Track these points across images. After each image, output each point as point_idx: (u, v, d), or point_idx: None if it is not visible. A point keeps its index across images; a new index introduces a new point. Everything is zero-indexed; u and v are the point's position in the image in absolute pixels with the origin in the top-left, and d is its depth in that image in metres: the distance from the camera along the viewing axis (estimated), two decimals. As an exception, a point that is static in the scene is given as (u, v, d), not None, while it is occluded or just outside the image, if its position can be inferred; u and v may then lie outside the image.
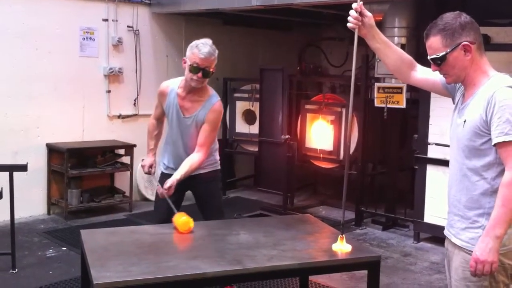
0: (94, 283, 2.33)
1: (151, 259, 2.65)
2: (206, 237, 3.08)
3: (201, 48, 3.47)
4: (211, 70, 3.50)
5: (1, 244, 4.65)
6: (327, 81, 7.44)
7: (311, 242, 2.99)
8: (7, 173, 4.26)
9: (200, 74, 3.45)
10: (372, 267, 2.71)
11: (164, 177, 3.69)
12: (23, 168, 4.38)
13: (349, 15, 2.52)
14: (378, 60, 5.61)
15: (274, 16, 6.86)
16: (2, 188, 4.25)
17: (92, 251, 2.71)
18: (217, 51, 3.55)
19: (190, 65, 3.47)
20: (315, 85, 7.63)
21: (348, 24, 2.54)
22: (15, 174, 4.31)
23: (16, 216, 4.40)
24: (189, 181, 3.60)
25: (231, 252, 2.73)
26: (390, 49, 2.61)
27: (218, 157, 3.85)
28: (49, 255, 4.83)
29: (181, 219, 3.13)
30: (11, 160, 5.53)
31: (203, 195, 3.80)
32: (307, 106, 6.64)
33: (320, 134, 6.44)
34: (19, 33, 5.81)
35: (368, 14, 2.53)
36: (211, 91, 3.68)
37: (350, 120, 2.89)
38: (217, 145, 3.84)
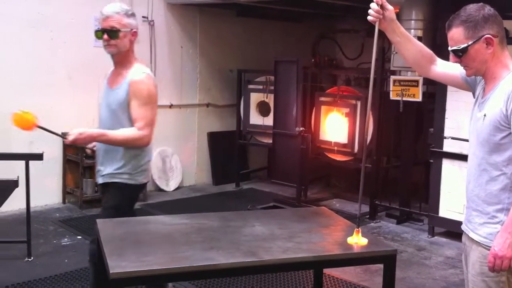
0: (110, 272, 2.33)
1: (166, 249, 2.65)
2: (220, 228, 3.07)
3: (103, 10, 3.15)
4: (117, 28, 3.08)
5: (17, 232, 4.69)
6: (342, 74, 7.40)
7: (326, 234, 2.98)
8: (23, 162, 4.29)
9: (105, 36, 3.08)
10: (388, 261, 2.68)
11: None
12: (39, 157, 4.41)
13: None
14: (394, 52, 5.57)
15: (288, 8, 6.83)
16: (18, 177, 4.28)
17: (108, 241, 2.71)
18: (125, 8, 3.19)
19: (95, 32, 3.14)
20: (330, 77, 7.60)
21: (369, 17, 2.51)
22: (31, 163, 4.34)
23: (31, 205, 4.44)
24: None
25: (246, 244, 2.71)
26: (410, 43, 2.58)
27: (139, 167, 3.19)
28: (64, 243, 4.87)
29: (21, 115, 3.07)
30: (27, 149, 5.57)
31: (102, 207, 3.29)
32: (322, 99, 6.62)
33: (335, 126, 6.41)
34: (34, 22, 5.83)
35: (389, 7, 2.50)
36: (136, 63, 3.19)
37: (368, 113, 2.86)
38: (147, 151, 3.24)
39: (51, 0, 5.95)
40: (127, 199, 3.28)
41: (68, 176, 6.15)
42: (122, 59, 3.17)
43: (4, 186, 4.19)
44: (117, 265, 2.38)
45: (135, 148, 3.16)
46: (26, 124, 3.09)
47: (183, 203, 6.40)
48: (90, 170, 6.06)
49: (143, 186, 3.33)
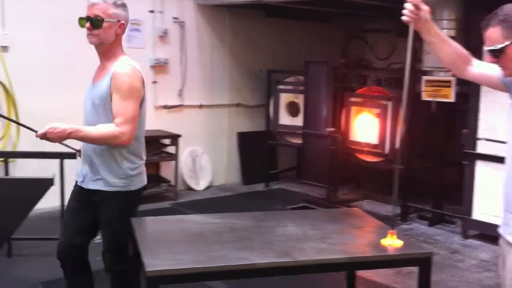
0: (146, 270, 2.37)
1: (200, 248, 2.67)
2: (253, 228, 3.08)
3: None
4: (101, 17, 2.82)
5: (51, 230, 4.77)
6: (372, 74, 7.35)
7: (360, 236, 2.97)
8: (57, 161, 4.37)
9: (88, 25, 2.84)
10: (424, 263, 2.66)
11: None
12: (72, 156, 4.47)
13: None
14: (426, 52, 5.51)
15: (317, 8, 6.81)
16: (54, 175, 4.35)
17: (142, 239, 2.75)
18: None
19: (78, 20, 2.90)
20: (359, 77, 7.55)
21: (403, 18, 2.49)
22: (65, 161, 4.41)
23: (65, 202, 4.50)
24: (90, 197, 2.95)
25: (279, 244, 2.73)
26: (445, 43, 2.55)
27: (134, 169, 2.93)
28: (97, 241, 4.91)
29: None
30: (61, 148, 5.65)
31: (101, 220, 3.00)
32: (352, 99, 6.57)
33: (365, 127, 6.37)
34: (67, 22, 5.89)
35: (424, 7, 2.47)
36: (123, 56, 2.94)
37: (403, 114, 2.83)
38: (139, 148, 2.99)
39: (80, 0, 6.03)
40: (129, 207, 3.01)
41: (100, 175, 6.23)
42: (106, 52, 2.91)
43: (40, 184, 4.26)
44: (153, 264, 2.42)
45: (125, 147, 2.87)
46: None
47: (213, 203, 6.44)
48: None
49: (141, 191, 3.05)
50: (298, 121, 6.82)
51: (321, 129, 6.13)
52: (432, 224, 5.80)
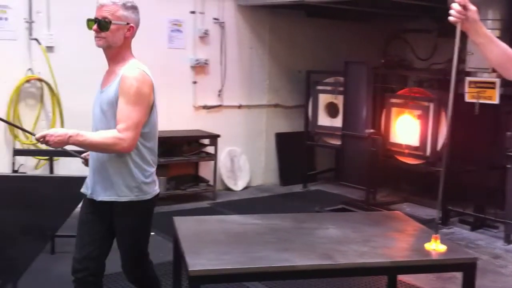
0: (189, 269, 2.39)
1: (241, 248, 2.69)
2: (293, 230, 3.08)
3: None
4: (109, 19, 2.71)
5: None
6: (413, 75, 7.25)
7: (402, 240, 2.94)
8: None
9: (95, 27, 2.73)
10: (468, 269, 2.62)
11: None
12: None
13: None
14: (470, 53, 5.41)
15: (358, 8, 6.76)
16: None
17: (185, 238, 2.79)
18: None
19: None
20: (400, 78, 7.46)
21: (450, 18, 2.44)
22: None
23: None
24: (102, 209, 2.83)
25: (321, 246, 2.72)
26: (493, 44, 2.49)
27: (147, 177, 2.81)
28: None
29: None
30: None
31: (116, 231, 2.89)
32: (392, 100, 6.50)
33: (406, 129, 6.29)
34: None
35: (472, 8, 2.42)
36: (132, 60, 2.82)
37: (449, 117, 2.79)
38: (152, 156, 2.87)
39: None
40: (143, 218, 2.89)
41: (140, 174, 6.33)
42: (114, 56, 2.79)
43: (81, 182, 4.34)
44: (196, 263, 2.44)
45: (137, 155, 2.75)
46: None
47: (251, 203, 6.46)
48: (163, 168, 6.22)
49: (155, 200, 2.93)
50: (337, 122, 6.78)
51: (361, 130, 6.09)
52: (473, 228, 5.69)
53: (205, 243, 2.76)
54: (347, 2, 6.33)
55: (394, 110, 6.43)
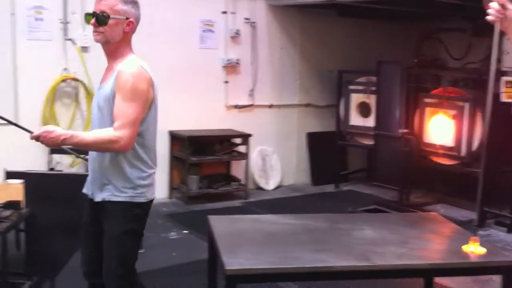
0: (226, 268, 2.40)
1: (277, 248, 2.68)
2: (328, 230, 3.07)
3: None
4: (107, 13, 2.59)
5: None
6: (447, 74, 7.14)
7: (440, 242, 2.90)
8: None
9: (93, 21, 2.61)
10: (508, 272, 2.57)
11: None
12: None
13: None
14: (506, 52, 5.30)
15: (389, 7, 6.68)
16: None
17: (221, 237, 2.80)
18: None
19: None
20: (433, 78, 7.35)
21: (489, 17, 2.40)
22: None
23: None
24: (98, 211, 2.69)
25: (357, 247, 2.70)
26: (532, 43, 2.44)
27: (143, 179, 2.65)
28: (171, 237, 5.07)
29: None
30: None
31: (104, 237, 2.68)
32: (426, 100, 6.42)
33: (440, 129, 6.20)
34: (146, 25, 6.06)
35: (511, 6, 2.38)
36: (131, 55, 2.71)
37: (488, 117, 2.74)
38: (149, 156, 2.69)
39: (160, 3, 6.18)
40: (135, 222, 2.69)
41: (174, 173, 6.40)
42: (112, 52, 2.68)
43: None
44: (232, 262, 2.45)
45: (132, 154, 2.61)
46: None
47: (283, 202, 6.45)
48: (195, 167, 6.27)
49: (150, 204, 2.75)
50: (369, 122, 6.72)
51: (394, 130, 6.02)
52: (510, 230, 5.56)
53: (241, 243, 2.77)
54: (378, 2, 6.26)
55: (428, 110, 6.35)
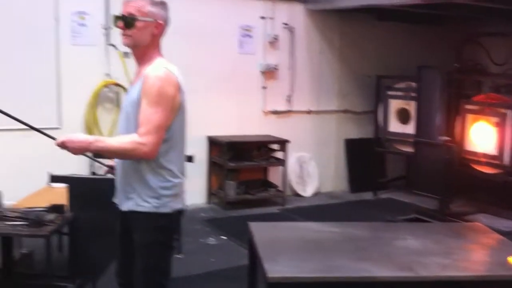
0: (268, 275, 2.39)
1: (319, 256, 2.67)
2: (370, 239, 3.03)
3: None
4: (135, 16, 2.48)
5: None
6: (489, 80, 6.99)
7: (484, 252, 2.84)
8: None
9: (120, 24, 2.51)
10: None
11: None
12: (190, 159, 4.63)
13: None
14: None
15: (430, 11, 6.58)
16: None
17: (261, 244, 2.79)
18: None
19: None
20: (475, 84, 7.21)
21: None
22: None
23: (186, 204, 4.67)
24: (126, 220, 2.60)
25: (400, 257, 2.66)
26: None
27: (167, 189, 2.52)
28: (209, 243, 5.09)
29: None
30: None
31: (135, 246, 2.59)
32: (468, 106, 6.30)
33: (482, 136, 6.07)
34: (182, 29, 6.02)
35: None
36: (159, 58, 2.57)
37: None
38: (175, 164, 2.54)
39: (199, 8, 6.23)
40: (162, 232, 2.55)
41: (212, 178, 6.43)
42: (141, 56, 2.57)
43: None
44: (274, 269, 2.45)
45: (155, 162, 2.48)
46: None
47: (321, 210, 6.40)
48: (233, 173, 6.29)
49: (178, 215, 2.62)
50: (409, 128, 6.63)
51: (434, 137, 5.92)
52: (556, 241, 5.40)
53: (281, 250, 2.76)
54: (418, 6, 6.18)
55: (469, 116, 6.24)
